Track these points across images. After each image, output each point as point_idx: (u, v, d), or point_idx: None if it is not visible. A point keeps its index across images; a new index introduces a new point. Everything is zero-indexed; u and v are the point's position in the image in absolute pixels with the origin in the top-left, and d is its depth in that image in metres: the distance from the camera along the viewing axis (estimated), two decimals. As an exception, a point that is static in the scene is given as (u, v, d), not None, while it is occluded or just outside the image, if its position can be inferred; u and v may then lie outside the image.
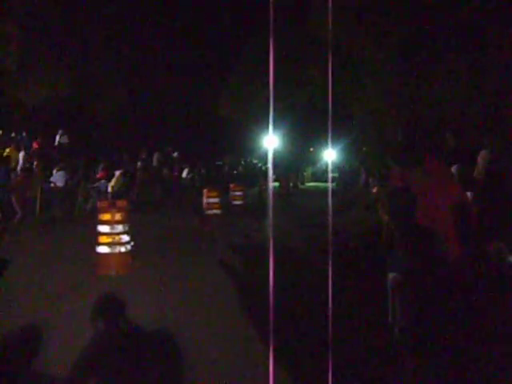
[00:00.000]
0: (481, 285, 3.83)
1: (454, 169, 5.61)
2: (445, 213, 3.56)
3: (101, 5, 21.26)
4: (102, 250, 7.35)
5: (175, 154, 24.53)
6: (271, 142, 2.40)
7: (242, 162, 32.84)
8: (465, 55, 12.93)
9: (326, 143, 23.78)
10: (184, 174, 23.08)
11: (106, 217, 7.41)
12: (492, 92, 12.54)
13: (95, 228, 7.48)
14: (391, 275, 3.50)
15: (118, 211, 7.46)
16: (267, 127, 2.15)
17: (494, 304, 3.98)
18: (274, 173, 25.35)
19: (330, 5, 2.66)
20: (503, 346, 3.81)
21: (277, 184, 26.82)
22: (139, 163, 19.89)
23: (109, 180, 15.83)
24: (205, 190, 14.45)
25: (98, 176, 16.21)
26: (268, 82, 2.12)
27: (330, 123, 2.78)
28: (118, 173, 15.90)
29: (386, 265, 3.58)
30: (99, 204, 8.03)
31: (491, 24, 12.30)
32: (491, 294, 3.95)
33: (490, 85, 12.57)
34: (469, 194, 4.91)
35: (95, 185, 15.85)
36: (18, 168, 15.03)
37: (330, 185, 3.84)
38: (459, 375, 3.30)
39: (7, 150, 16.52)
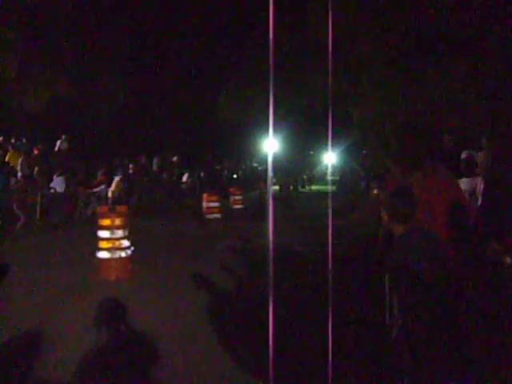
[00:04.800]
0: (478, 286, 3.81)
1: (463, 154, 5.62)
2: (443, 215, 3.56)
3: (99, 10, 21.30)
4: (102, 255, 7.33)
5: (175, 159, 24.52)
6: (271, 145, 2.39)
7: (243, 166, 32.82)
8: (463, 57, 12.95)
9: (326, 146, 23.81)
10: (184, 179, 23.08)
11: (106, 222, 7.39)
12: (491, 94, 12.55)
13: (95, 233, 7.48)
14: (389, 275, 3.49)
15: (118, 216, 7.45)
16: (267, 131, 2.13)
17: (491, 305, 3.97)
18: (274, 176, 25.36)
19: (330, 8, 2.66)
20: (501, 347, 3.80)
21: (277, 187, 26.82)
22: (131, 165, 19.70)
23: (109, 185, 15.83)
24: (205, 195, 14.43)
25: (97, 181, 16.20)
26: (267, 86, 2.11)
27: (330, 126, 2.77)
28: (117, 178, 15.90)
29: (384, 265, 3.57)
30: (99, 209, 8.02)
31: (490, 26, 12.32)
32: (489, 296, 3.94)
33: (489, 87, 12.59)
34: (479, 179, 4.92)
35: (95, 190, 15.85)
36: (18, 174, 15.04)
37: (329, 188, 3.83)
38: (458, 375, 3.29)
39: (7, 156, 16.53)
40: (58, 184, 15.00)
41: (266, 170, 27.47)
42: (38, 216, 13.55)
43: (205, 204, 14.02)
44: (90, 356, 4.38)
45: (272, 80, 2.06)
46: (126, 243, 7.44)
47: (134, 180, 18.45)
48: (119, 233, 7.37)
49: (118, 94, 23.08)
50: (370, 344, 4.45)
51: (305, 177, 33.21)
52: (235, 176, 29.55)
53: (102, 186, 15.80)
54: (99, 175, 16.41)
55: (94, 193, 15.74)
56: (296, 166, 30.27)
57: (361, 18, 14.82)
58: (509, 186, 4.23)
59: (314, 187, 34.28)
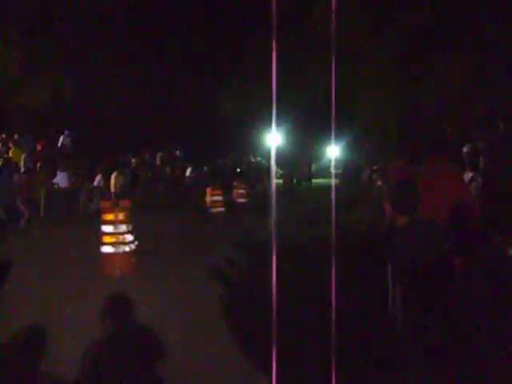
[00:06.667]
0: (481, 278, 3.82)
1: (465, 149, 5.56)
2: (446, 207, 3.56)
3: (103, 7, 21.26)
4: (106, 249, 7.36)
5: (178, 153, 24.52)
6: (274, 139, 2.40)
7: (246, 160, 32.78)
8: (465, 51, 12.91)
9: (329, 140, 23.78)
10: (187, 173, 23.08)
11: (110, 217, 7.42)
12: (493, 87, 12.50)
13: (99, 228, 7.49)
14: (391, 267, 3.50)
15: (122, 211, 7.47)
16: (270, 125, 2.13)
17: (494, 297, 3.97)
18: (278, 170, 25.35)
19: (334, 5, 2.65)
20: (503, 339, 3.80)
21: (280, 181, 26.79)
22: (133, 160, 19.89)
23: (108, 179, 15.87)
24: (208, 189, 14.43)
25: (97, 178, 16.23)
26: (270, 80, 2.11)
27: (333, 120, 2.77)
28: (113, 174, 15.85)
29: (386, 257, 3.57)
30: (102, 204, 8.04)
31: (492, 20, 12.26)
32: (491, 287, 3.94)
33: (491, 80, 12.54)
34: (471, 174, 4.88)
35: (95, 184, 15.89)
36: (21, 170, 15.06)
37: (333, 181, 3.84)
38: (459, 368, 3.30)
39: (10, 152, 16.56)
40: (61, 179, 15.02)
41: (269, 164, 27.45)
42: (41, 211, 13.58)
43: (208, 198, 14.04)
44: (93, 351, 4.40)
45: (275, 74, 2.07)
46: (129, 237, 7.47)
47: (137, 174, 18.46)
48: (123, 227, 7.40)
49: (120, 90, 23.07)
50: (372, 336, 4.46)
51: (300, 173, 32.76)
52: (238, 170, 29.53)
53: (99, 176, 15.86)
54: (97, 173, 16.49)
55: (97, 187, 15.77)
56: (299, 159, 30.21)
57: (363, 13, 14.79)
58: (508, 178, 4.23)
59: (315, 180, 34.10)
